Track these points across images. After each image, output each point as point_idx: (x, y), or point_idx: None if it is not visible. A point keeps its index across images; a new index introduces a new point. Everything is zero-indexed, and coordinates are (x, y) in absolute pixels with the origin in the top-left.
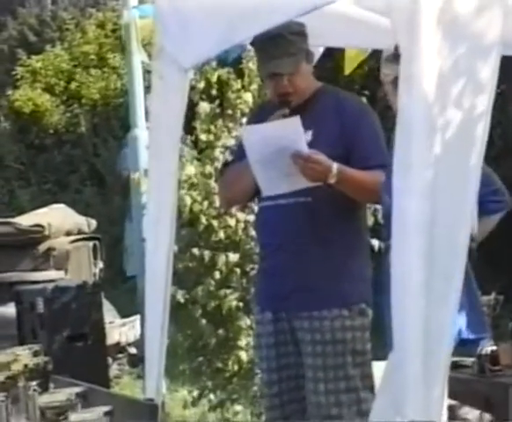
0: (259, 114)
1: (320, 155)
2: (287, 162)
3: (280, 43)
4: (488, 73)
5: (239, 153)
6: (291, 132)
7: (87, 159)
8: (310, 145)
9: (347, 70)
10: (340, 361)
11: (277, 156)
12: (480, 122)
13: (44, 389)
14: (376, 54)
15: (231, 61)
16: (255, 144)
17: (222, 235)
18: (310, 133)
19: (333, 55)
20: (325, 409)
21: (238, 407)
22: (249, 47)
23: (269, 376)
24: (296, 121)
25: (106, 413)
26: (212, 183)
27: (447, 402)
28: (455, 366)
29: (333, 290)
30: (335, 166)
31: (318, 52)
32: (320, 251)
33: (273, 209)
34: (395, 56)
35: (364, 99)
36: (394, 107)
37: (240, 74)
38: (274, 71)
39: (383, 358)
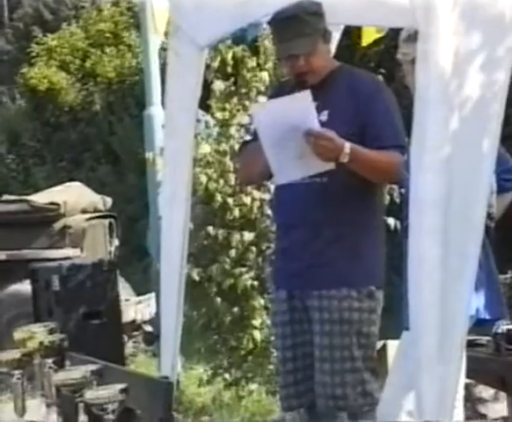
0: (278, 94)
1: (332, 132)
2: (299, 142)
3: (296, 24)
4: (504, 52)
5: (255, 132)
6: (302, 107)
7: (102, 137)
8: (326, 125)
9: (365, 42)
10: (346, 342)
11: (289, 136)
12: (496, 100)
13: (60, 366)
14: (392, 34)
15: (250, 41)
16: (266, 123)
17: (237, 213)
18: (326, 112)
19: (350, 33)
20: (330, 388)
21: (253, 385)
22: (265, 25)
23: (284, 354)
24: (306, 96)
25: (122, 391)
26: (227, 161)
27: (463, 380)
28: (470, 344)
29: (344, 270)
30: (348, 145)
31: (338, 30)
32: (334, 231)
33: (288, 189)
34: (415, 36)
35: (380, 78)
36: (412, 87)
37: (255, 52)
38: (291, 52)
39: (397, 338)
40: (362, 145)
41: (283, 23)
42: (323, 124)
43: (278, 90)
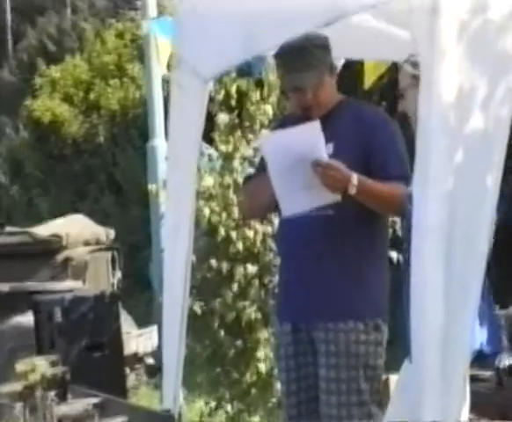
0: (282, 127)
1: (340, 163)
2: (307, 172)
3: (303, 56)
4: (507, 87)
5: (260, 165)
6: (310, 137)
7: (106, 169)
8: (331, 157)
9: (367, 85)
10: (353, 375)
11: (297, 166)
12: (499, 134)
13: (61, 398)
14: (393, 66)
15: (255, 74)
16: (274, 152)
17: (240, 246)
18: (331, 145)
19: (352, 67)
20: (337, 421)
21: (256, 419)
22: (269, 58)
23: (288, 387)
24: (315, 126)
25: None
26: (231, 194)
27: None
28: (473, 379)
29: (350, 303)
30: (355, 176)
31: (339, 63)
32: (339, 264)
33: (293, 222)
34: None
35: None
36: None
37: (260, 85)
38: (297, 84)
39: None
40: (367, 176)
41: (290, 55)
42: (329, 156)
43: (282, 123)
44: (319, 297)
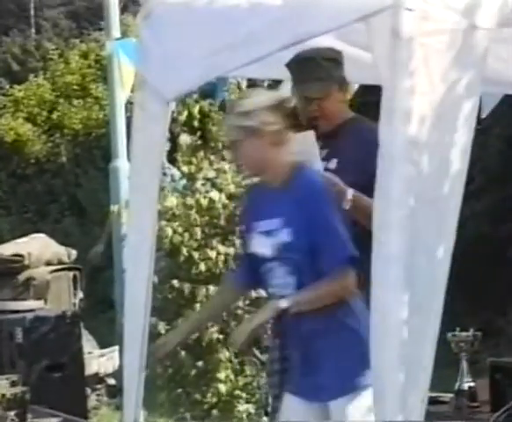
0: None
1: (336, 178)
2: None
3: (311, 67)
4: (469, 111)
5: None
6: (305, 147)
7: (68, 189)
8: (334, 173)
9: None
10: None
11: None
12: (459, 157)
13: (22, 419)
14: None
15: (219, 98)
16: None
17: (202, 267)
18: (335, 161)
19: None
20: None
21: None
22: (231, 79)
23: (275, 403)
24: (310, 136)
25: None
26: (193, 214)
27: None
28: (433, 401)
29: None
30: (351, 191)
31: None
32: None
33: None
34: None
35: None
36: None
37: (222, 106)
38: (304, 94)
39: None
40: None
41: (299, 65)
42: (331, 171)
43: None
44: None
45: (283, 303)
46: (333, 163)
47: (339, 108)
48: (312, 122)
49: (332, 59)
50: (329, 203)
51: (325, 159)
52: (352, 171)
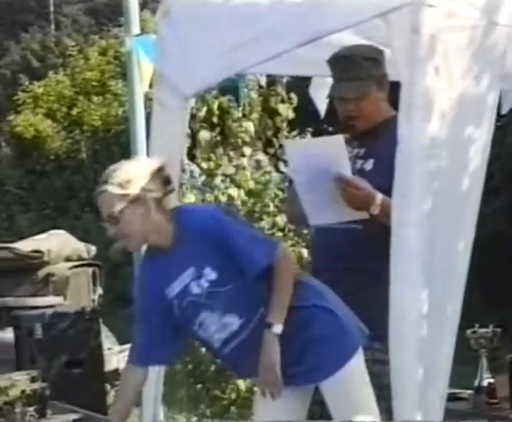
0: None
1: (363, 182)
2: (331, 186)
3: (350, 67)
4: (488, 107)
5: None
6: (334, 151)
7: (87, 185)
8: (369, 174)
9: None
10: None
11: (321, 179)
12: (479, 154)
13: (41, 415)
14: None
15: (236, 91)
16: (298, 160)
17: None
18: (371, 161)
19: None
20: None
21: None
22: (250, 76)
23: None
24: (339, 140)
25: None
26: None
27: None
28: (452, 398)
29: (369, 320)
30: (380, 196)
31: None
32: (360, 282)
33: (323, 232)
34: None
35: None
36: None
37: (239, 102)
38: (341, 94)
39: None
40: None
41: (338, 63)
42: (367, 173)
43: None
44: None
45: (277, 329)
46: (370, 164)
47: (377, 107)
48: (348, 121)
49: (372, 58)
50: (225, 221)
51: (362, 158)
52: (388, 173)
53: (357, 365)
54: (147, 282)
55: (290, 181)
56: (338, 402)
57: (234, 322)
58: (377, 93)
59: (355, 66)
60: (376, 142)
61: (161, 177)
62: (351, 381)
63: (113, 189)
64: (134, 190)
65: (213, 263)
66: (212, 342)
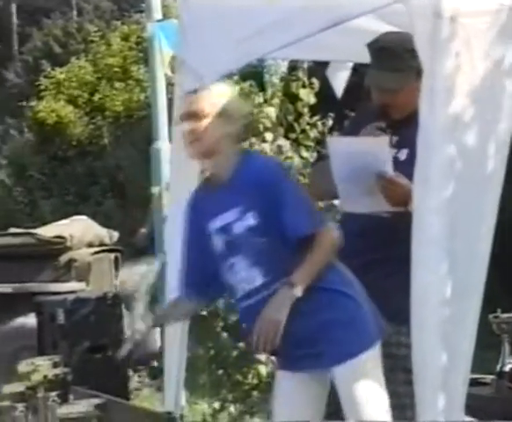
0: (361, 116)
1: (405, 179)
2: (370, 180)
3: (392, 58)
4: (510, 90)
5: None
6: (378, 151)
7: (109, 171)
8: (403, 164)
9: None
10: (390, 377)
11: (361, 173)
12: (501, 138)
13: (63, 400)
14: None
15: (258, 77)
16: (340, 156)
17: None
18: (405, 151)
19: (360, 71)
20: None
21: (258, 420)
22: (271, 61)
23: None
24: (384, 142)
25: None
26: None
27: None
28: (474, 383)
29: (394, 306)
30: None
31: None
32: (388, 267)
33: (349, 218)
34: None
35: None
36: None
37: (262, 88)
38: (379, 83)
39: None
40: None
41: (380, 52)
42: (401, 162)
43: (362, 110)
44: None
45: (297, 291)
46: (404, 154)
47: (412, 97)
48: (384, 109)
49: (412, 49)
50: (284, 177)
51: (396, 147)
52: None
53: (372, 359)
54: (194, 214)
55: (316, 159)
56: (347, 391)
57: (258, 278)
58: (415, 83)
59: (397, 58)
60: (410, 132)
61: (248, 121)
62: (363, 373)
63: (214, 91)
64: (232, 108)
65: (258, 211)
66: (237, 290)
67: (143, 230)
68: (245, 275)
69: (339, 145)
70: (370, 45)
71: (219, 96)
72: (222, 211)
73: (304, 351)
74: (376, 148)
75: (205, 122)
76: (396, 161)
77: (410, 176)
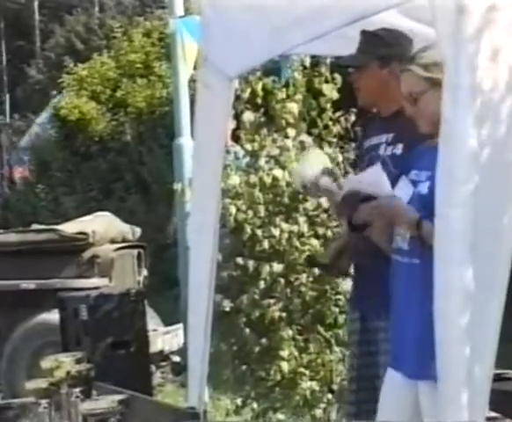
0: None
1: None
2: None
3: (363, 41)
4: None
5: None
6: (375, 180)
7: (132, 167)
8: (399, 158)
9: None
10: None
11: None
12: None
13: (87, 395)
14: None
15: (285, 75)
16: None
17: (266, 244)
18: (400, 146)
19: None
20: None
21: (281, 416)
22: (294, 57)
23: (350, 373)
24: (377, 168)
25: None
26: (256, 192)
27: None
28: (498, 378)
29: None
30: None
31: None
32: None
33: None
34: None
35: None
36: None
37: (285, 83)
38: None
39: None
40: None
41: (360, 36)
42: (398, 157)
43: (368, 123)
44: (387, 290)
45: (412, 220)
46: (399, 149)
47: (375, 82)
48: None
49: (389, 41)
50: None
51: (392, 144)
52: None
53: None
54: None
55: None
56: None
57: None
58: (380, 71)
59: (365, 43)
60: (401, 127)
61: None
62: None
63: (418, 70)
64: (437, 74)
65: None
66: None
67: (173, 225)
68: (401, 233)
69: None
70: (364, 32)
71: (424, 69)
72: (419, 168)
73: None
74: (373, 177)
75: (421, 101)
76: (393, 156)
77: (406, 168)
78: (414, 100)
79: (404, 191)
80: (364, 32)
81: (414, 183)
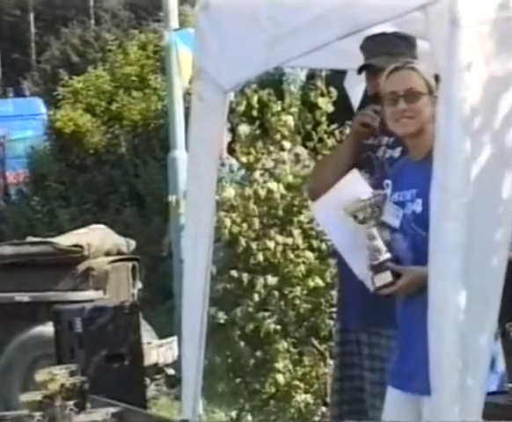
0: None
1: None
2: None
3: (382, 41)
4: None
5: None
6: (354, 185)
7: (127, 180)
8: (396, 161)
9: None
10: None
11: (356, 231)
12: None
13: (80, 408)
14: None
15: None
16: (329, 218)
17: (260, 257)
18: (398, 149)
19: None
20: None
21: None
22: (288, 69)
23: (333, 385)
24: (354, 172)
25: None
26: (251, 205)
27: None
28: (492, 391)
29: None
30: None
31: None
32: None
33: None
34: None
35: None
36: None
37: (281, 96)
38: (371, 62)
39: None
40: None
41: (371, 40)
42: (395, 160)
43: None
44: (368, 303)
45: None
46: (397, 152)
47: None
48: (378, 95)
49: (406, 37)
50: None
51: (391, 147)
52: None
53: None
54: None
55: None
56: None
57: (409, 263)
58: None
59: (388, 42)
60: None
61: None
62: None
63: (423, 71)
64: (434, 85)
65: (426, 200)
66: None
67: (167, 239)
68: (400, 255)
69: (322, 206)
70: (362, 42)
71: (427, 73)
72: (404, 187)
73: (400, 366)
74: (352, 183)
75: (421, 101)
76: (391, 159)
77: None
78: (412, 98)
79: (393, 215)
80: (381, 35)
81: (401, 204)
